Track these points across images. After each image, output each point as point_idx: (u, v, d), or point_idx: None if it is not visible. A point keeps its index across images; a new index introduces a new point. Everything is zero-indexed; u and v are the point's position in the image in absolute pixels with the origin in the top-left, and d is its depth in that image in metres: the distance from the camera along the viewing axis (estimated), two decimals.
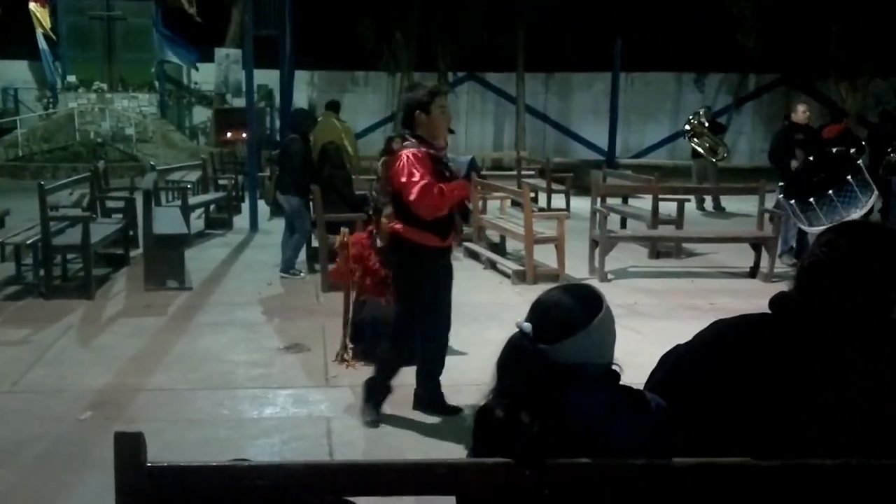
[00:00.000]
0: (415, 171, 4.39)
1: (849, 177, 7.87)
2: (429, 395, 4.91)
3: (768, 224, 9.14)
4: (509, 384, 2.02)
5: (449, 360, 5.77)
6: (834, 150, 8.74)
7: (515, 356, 2.03)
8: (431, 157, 4.48)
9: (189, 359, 5.87)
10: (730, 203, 14.22)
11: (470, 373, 5.48)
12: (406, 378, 5.43)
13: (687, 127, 14.68)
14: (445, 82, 24.02)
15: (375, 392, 4.75)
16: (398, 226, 4.61)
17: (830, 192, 7.86)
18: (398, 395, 4.96)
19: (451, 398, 4.96)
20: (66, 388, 5.22)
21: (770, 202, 9.34)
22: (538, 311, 2.07)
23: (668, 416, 2.00)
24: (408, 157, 4.44)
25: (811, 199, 7.93)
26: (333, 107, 12.13)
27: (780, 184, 8.81)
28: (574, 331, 1.98)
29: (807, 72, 22.74)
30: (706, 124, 14.56)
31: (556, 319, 2.02)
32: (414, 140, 4.53)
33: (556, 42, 23.81)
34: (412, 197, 4.38)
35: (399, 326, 4.76)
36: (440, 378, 4.97)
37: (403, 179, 4.41)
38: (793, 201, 8.13)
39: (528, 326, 2.03)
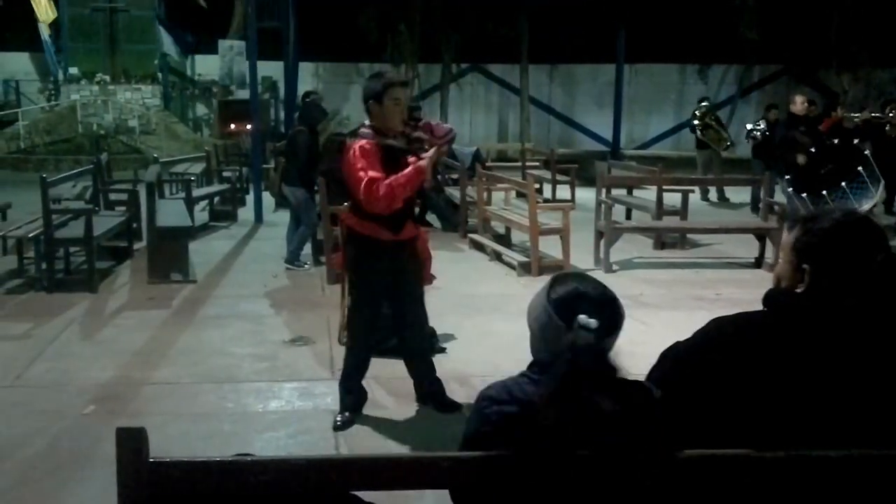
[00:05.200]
0: (359, 164, 4.28)
1: (860, 168, 7.81)
2: (429, 390, 4.83)
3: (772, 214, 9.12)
4: None
5: (454, 351, 5.78)
6: (836, 141, 8.68)
7: None
8: (382, 147, 4.35)
9: (193, 352, 5.85)
10: (734, 194, 14.18)
11: (476, 364, 5.47)
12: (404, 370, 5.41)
13: (696, 122, 14.59)
14: (449, 73, 23.98)
15: (347, 392, 4.65)
16: (351, 219, 4.54)
17: (843, 183, 7.79)
18: (403, 388, 4.94)
19: (458, 390, 4.94)
20: (70, 383, 5.20)
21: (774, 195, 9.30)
22: None
23: (668, 413, 1.99)
24: (354, 150, 4.34)
25: (823, 192, 7.86)
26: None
27: (787, 177, 8.74)
28: None
29: (808, 62, 22.70)
30: (716, 117, 14.54)
31: None
32: (368, 130, 4.41)
33: (560, 33, 23.75)
34: (360, 195, 4.29)
35: (354, 320, 4.66)
36: (437, 373, 4.87)
37: (351, 174, 4.33)
38: (804, 195, 8.05)
39: None
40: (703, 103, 15.01)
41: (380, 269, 4.51)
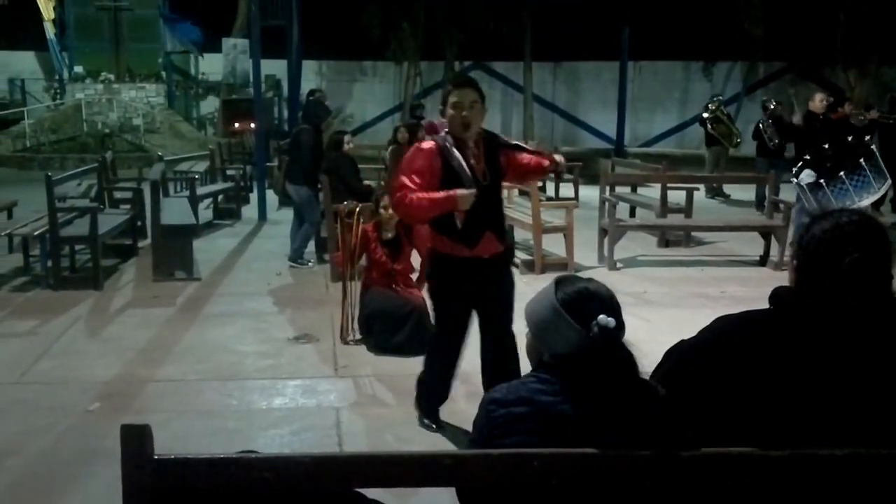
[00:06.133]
0: (406, 163, 4.13)
1: (862, 160, 7.80)
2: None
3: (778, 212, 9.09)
4: None
5: None
6: (850, 138, 8.66)
7: None
8: (443, 152, 4.05)
9: (198, 350, 5.87)
10: (741, 191, 14.16)
11: (478, 362, 5.46)
12: (416, 367, 5.41)
13: (706, 115, 14.55)
14: (452, 71, 23.94)
15: (424, 396, 4.58)
16: (427, 233, 4.35)
17: (842, 173, 7.80)
18: (405, 385, 4.94)
19: (459, 388, 4.93)
20: (75, 380, 5.22)
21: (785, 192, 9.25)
22: None
23: (671, 411, 2.00)
24: (413, 147, 4.26)
25: (822, 181, 7.87)
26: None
27: (794, 169, 8.75)
28: None
29: (814, 60, 22.63)
30: (725, 112, 14.52)
31: None
32: (444, 134, 4.14)
33: (563, 31, 23.70)
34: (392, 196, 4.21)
35: (434, 335, 4.55)
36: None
37: (399, 172, 4.22)
38: (805, 184, 8.06)
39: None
40: (716, 98, 15.00)
41: (460, 292, 4.23)
